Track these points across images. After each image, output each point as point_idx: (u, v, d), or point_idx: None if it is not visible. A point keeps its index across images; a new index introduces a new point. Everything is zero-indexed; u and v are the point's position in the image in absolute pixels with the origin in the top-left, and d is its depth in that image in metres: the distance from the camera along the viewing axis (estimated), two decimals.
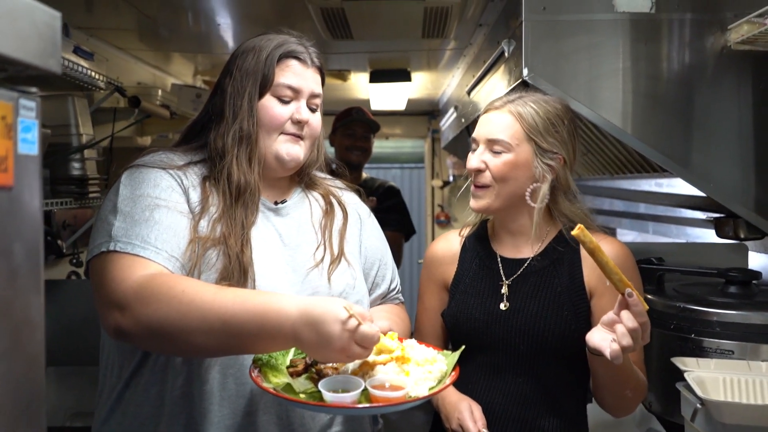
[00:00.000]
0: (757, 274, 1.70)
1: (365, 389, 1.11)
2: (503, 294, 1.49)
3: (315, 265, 1.37)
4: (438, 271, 1.60)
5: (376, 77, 3.86)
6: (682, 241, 2.79)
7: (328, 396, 1.10)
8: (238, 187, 1.32)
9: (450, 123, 4.22)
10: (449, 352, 1.24)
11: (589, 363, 1.34)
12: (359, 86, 4.30)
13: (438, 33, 2.89)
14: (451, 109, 4.02)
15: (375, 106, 4.69)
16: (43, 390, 0.69)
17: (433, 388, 1.14)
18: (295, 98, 1.37)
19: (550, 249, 1.50)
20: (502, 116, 1.47)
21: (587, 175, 2.98)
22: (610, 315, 1.23)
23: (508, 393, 1.44)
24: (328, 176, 1.59)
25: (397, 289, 1.59)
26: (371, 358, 1.16)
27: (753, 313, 1.49)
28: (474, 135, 1.50)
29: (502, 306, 1.47)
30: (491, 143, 1.46)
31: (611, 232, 2.07)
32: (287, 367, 1.18)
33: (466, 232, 1.62)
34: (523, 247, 1.52)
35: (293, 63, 1.38)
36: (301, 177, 1.49)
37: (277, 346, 1.13)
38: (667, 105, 1.79)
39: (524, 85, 1.86)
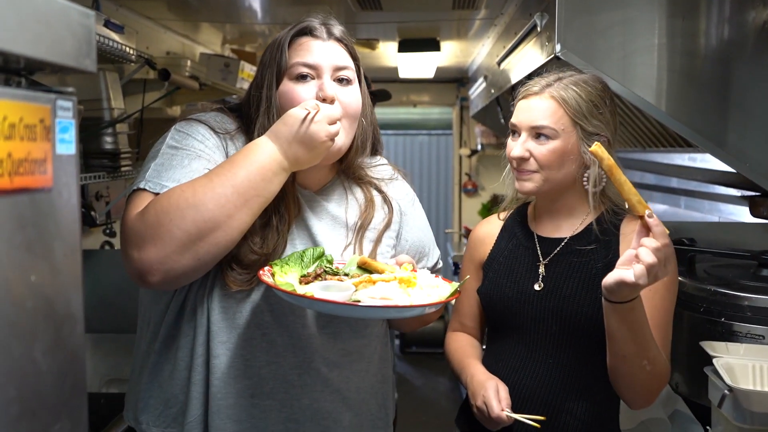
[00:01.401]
0: None
1: (357, 299, 1.15)
2: (540, 274, 1.49)
3: (340, 260, 1.34)
4: (477, 252, 1.62)
5: (404, 47, 3.81)
6: (714, 220, 2.75)
7: (318, 293, 1.14)
8: None
9: (479, 92, 4.17)
10: (455, 283, 1.26)
11: (605, 321, 1.29)
12: (387, 55, 4.26)
13: (468, 4, 2.84)
14: (481, 79, 3.97)
15: (403, 74, 4.65)
16: (84, 382, 0.71)
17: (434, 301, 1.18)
18: (317, 76, 1.30)
19: (589, 230, 1.48)
20: (544, 102, 1.44)
21: (618, 147, 2.92)
22: (628, 252, 1.19)
23: (538, 374, 1.45)
24: (375, 159, 1.52)
25: (436, 268, 1.54)
26: (376, 276, 1.21)
27: None
28: (514, 121, 1.48)
29: (536, 286, 1.48)
30: (535, 131, 1.44)
31: None
32: (300, 277, 1.23)
33: (504, 215, 1.64)
34: (562, 226, 1.52)
35: (305, 40, 1.32)
36: (343, 165, 1.42)
37: (268, 170, 1.19)
38: (704, 83, 1.76)
39: (556, 60, 1.84)
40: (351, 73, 1.33)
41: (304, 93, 1.29)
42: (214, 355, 1.28)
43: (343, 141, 1.30)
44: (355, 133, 1.35)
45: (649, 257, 1.14)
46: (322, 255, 1.30)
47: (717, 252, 1.80)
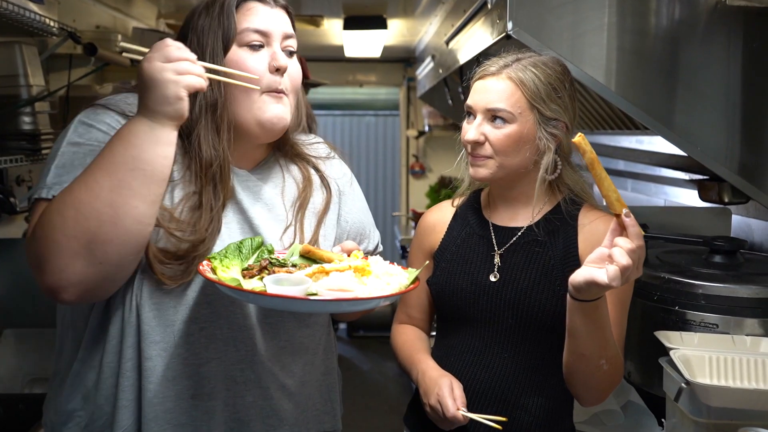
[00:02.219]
0: (742, 243, 1.65)
1: (314, 292, 1.08)
2: (495, 264, 1.42)
3: (282, 249, 1.26)
4: (427, 240, 1.54)
5: (350, 24, 3.69)
6: (660, 203, 2.75)
7: (271, 287, 1.05)
8: (208, 161, 1.18)
9: (427, 72, 4.09)
10: (413, 270, 1.19)
11: (567, 318, 1.24)
12: (333, 32, 4.14)
13: None
14: (428, 58, 3.89)
15: (349, 53, 4.54)
16: None
17: (396, 291, 1.12)
18: (267, 44, 1.21)
19: (547, 220, 1.42)
20: (501, 83, 1.36)
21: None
22: (599, 250, 1.13)
23: (493, 369, 1.38)
24: (311, 137, 1.43)
25: (376, 252, 1.47)
26: (329, 266, 1.13)
27: (738, 286, 1.44)
28: (469, 103, 1.40)
29: (491, 277, 1.40)
30: (491, 113, 1.36)
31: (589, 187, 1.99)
32: (242, 270, 1.14)
33: (458, 201, 1.55)
34: (519, 215, 1.45)
35: (255, 5, 1.22)
36: (278, 143, 1.32)
37: (132, 134, 1.06)
38: (654, 63, 1.72)
39: (507, 39, 1.78)
40: (295, 44, 1.26)
41: (256, 62, 1.20)
42: (146, 357, 1.17)
43: (289, 115, 1.23)
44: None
45: (624, 259, 1.08)
46: (261, 245, 1.21)
47: (669, 238, 1.77)
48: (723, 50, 1.72)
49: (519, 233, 1.43)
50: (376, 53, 4.53)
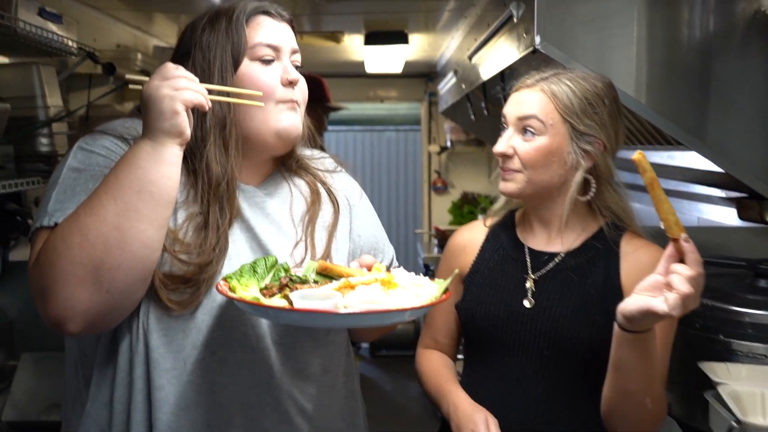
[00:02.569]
0: None
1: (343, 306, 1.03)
2: (528, 289, 1.35)
3: (295, 266, 1.21)
4: (457, 262, 1.47)
5: (371, 39, 3.65)
6: (694, 221, 2.65)
7: (299, 302, 1.01)
8: (216, 179, 1.15)
9: (449, 87, 4.03)
10: (441, 281, 1.14)
11: (613, 351, 1.15)
12: (353, 48, 4.10)
13: None
14: (450, 73, 3.84)
15: (370, 68, 4.49)
16: None
17: (427, 302, 1.08)
18: (277, 58, 1.21)
19: (588, 246, 1.35)
20: (533, 95, 1.32)
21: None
22: (652, 277, 1.05)
23: (527, 403, 1.30)
24: (316, 152, 1.40)
25: (392, 266, 1.42)
26: (354, 279, 1.08)
27: None
28: (504, 112, 1.37)
29: (526, 303, 1.33)
30: (521, 122, 1.32)
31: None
32: (261, 290, 1.10)
33: (490, 222, 1.49)
34: (555, 239, 1.38)
35: (264, 19, 1.21)
36: (283, 157, 1.30)
37: (135, 156, 1.04)
38: (686, 74, 1.67)
39: (533, 53, 1.72)
40: (300, 59, 1.26)
41: (269, 76, 1.19)
42: (157, 386, 1.12)
43: (299, 129, 1.23)
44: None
45: (685, 286, 1.01)
46: (275, 264, 1.16)
47: (711, 261, 1.67)
48: (760, 61, 1.66)
49: (556, 259, 1.35)
50: (398, 69, 4.48)
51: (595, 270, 1.32)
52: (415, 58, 4.60)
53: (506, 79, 2.43)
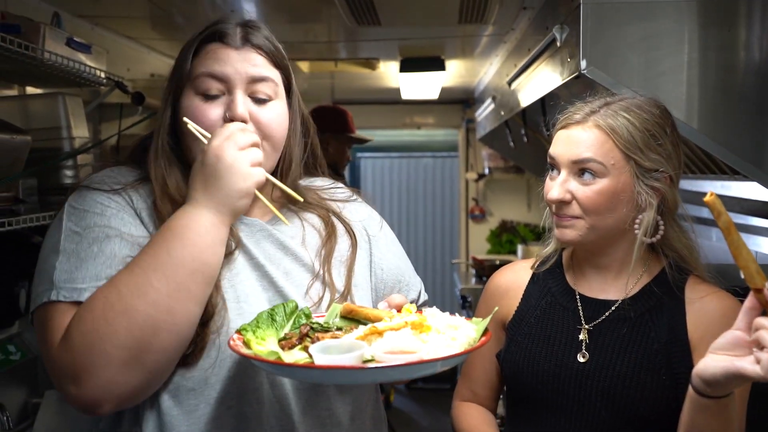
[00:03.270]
0: None
1: (369, 358, 0.93)
2: (581, 341, 1.21)
3: (314, 305, 1.11)
4: (499, 305, 1.33)
5: (406, 66, 3.58)
6: (761, 262, 2.48)
7: (320, 357, 0.91)
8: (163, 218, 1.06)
9: (487, 114, 3.94)
10: (479, 320, 1.03)
11: (685, 416, 1.03)
12: (389, 75, 4.04)
13: (476, 18, 2.61)
14: (489, 99, 3.75)
15: (406, 95, 4.43)
16: None
17: (464, 349, 0.97)
18: (227, 91, 1.08)
19: (647, 292, 1.22)
20: (589, 133, 1.18)
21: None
22: (732, 333, 0.94)
23: None
24: (326, 182, 1.30)
25: (421, 299, 1.32)
26: (381, 325, 0.97)
27: None
28: (552, 154, 1.23)
29: (580, 357, 1.20)
30: (578, 166, 1.18)
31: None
32: (280, 341, 1.00)
33: (534, 263, 1.37)
34: (611, 285, 1.25)
35: (215, 47, 1.09)
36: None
37: (196, 232, 1.00)
38: (742, 99, 1.58)
39: (578, 78, 1.63)
40: (270, 88, 1.11)
41: (209, 112, 1.07)
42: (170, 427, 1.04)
43: (264, 164, 1.09)
44: (282, 155, 1.16)
45: None
46: (296, 309, 1.07)
47: None
48: None
49: (612, 307, 1.22)
50: (434, 95, 4.41)
51: (659, 321, 1.19)
52: (452, 84, 4.53)
53: (546, 105, 2.33)
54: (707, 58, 1.57)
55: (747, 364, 0.90)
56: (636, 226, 1.19)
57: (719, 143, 1.55)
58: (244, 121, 1.07)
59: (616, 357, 1.18)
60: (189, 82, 1.08)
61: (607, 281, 1.26)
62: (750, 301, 0.93)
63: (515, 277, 1.37)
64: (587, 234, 1.19)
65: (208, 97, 1.08)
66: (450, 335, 0.98)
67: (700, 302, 1.19)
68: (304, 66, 3.69)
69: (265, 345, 0.99)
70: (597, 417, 1.16)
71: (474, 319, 1.06)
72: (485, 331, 1.01)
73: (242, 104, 1.08)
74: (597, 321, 1.23)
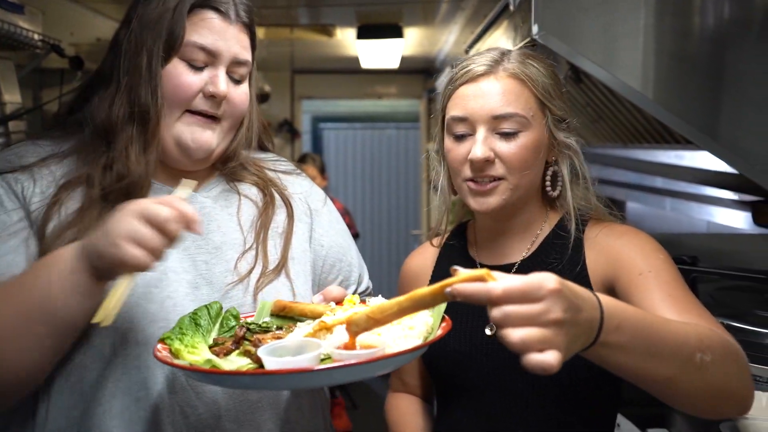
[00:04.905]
0: None
1: (325, 357, 0.85)
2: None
3: (239, 279, 1.07)
4: (410, 291, 1.29)
5: (364, 33, 3.51)
6: (703, 224, 2.52)
7: (272, 362, 0.82)
8: (124, 178, 1.01)
9: None
10: (437, 307, 0.97)
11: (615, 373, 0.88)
12: (347, 43, 3.97)
13: None
14: (448, 69, 3.70)
15: (365, 64, 4.35)
16: None
17: (422, 341, 0.90)
18: (211, 64, 1.06)
19: (547, 247, 1.16)
20: (504, 82, 1.10)
21: (595, 143, 2.73)
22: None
23: None
24: (269, 155, 1.27)
25: (366, 292, 1.29)
26: (329, 319, 0.91)
27: None
28: (461, 114, 1.12)
29: (487, 330, 1.13)
30: (499, 122, 1.10)
31: (620, 206, 1.77)
32: (211, 347, 0.93)
33: (437, 241, 1.30)
34: (511, 249, 1.19)
35: (210, 16, 1.06)
36: (224, 162, 1.16)
37: (69, 278, 0.90)
38: (697, 67, 1.54)
39: (532, 45, 1.60)
40: (246, 70, 1.11)
41: (191, 82, 1.05)
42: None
43: (217, 142, 1.09)
44: (236, 134, 1.14)
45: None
46: (221, 311, 0.99)
47: (726, 273, 1.53)
48: None
49: (512, 270, 1.16)
50: (394, 64, 4.35)
51: (561, 272, 1.06)
52: (412, 54, 4.47)
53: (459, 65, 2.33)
54: (663, 24, 1.53)
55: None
56: (547, 182, 1.15)
57: (673, 113, 1.52)
58: (223, 97, 1.06)
59: None
60: (179, 48, 1.04)
61: (508, 245, 1.19)
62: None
63: (423, 259, 1.30)
64: (510, 196, 1.12)
65: (194, 67, 1.06)
66: (406, 324, 0.91)
67: (596, 238, 1.13)
68: (260, 32, 3.60)
69: (199, 353, 0.90)
70: (515, 389, 1.11)
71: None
72: (443, 318, 0.95)
73: (224, 81, 1.07)
74: None
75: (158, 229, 0.86)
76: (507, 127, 1.09)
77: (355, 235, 4.06)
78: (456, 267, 0.78)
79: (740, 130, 1.52)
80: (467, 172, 1.12)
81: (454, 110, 1.13)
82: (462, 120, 1.12)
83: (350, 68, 5.04)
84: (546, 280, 0.74)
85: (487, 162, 1.10)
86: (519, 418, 1.11)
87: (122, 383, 0.99)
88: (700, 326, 0.91)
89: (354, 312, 0.86)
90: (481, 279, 0.74)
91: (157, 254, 0.87)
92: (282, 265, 1.11)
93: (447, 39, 3.80)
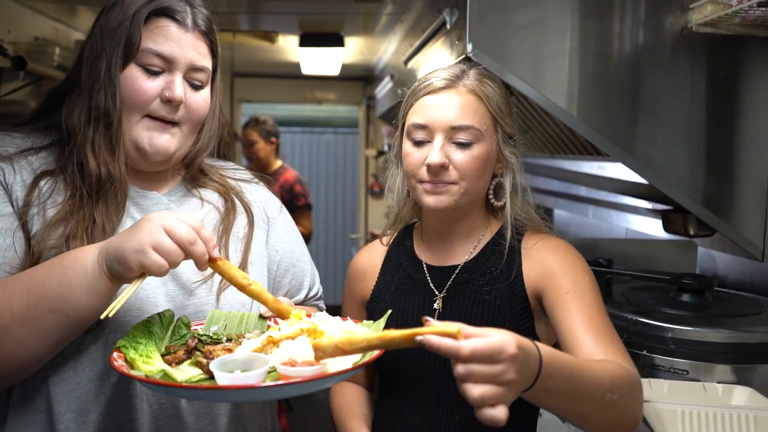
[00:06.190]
0: (711, 282, 1.57)
1: (271, 370, 0.91)
2: (436, 311, 1.24)
3: (203, 279, 1.13)
4: (358, 288, 1.36)
5: (306, 41, 3.58)
6: (622, 231, 2.68)
7: (223, 377, 0.88)
8: (98, 179, 1.07)
9: (386, 92, 3.99)
10: (371, 322, 1.06)
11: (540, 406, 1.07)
12: (289, 49, 4.02)
13: None
14: (387, 78, 3.80)
15: (306, 70, 4.41)
16: None
17: (358, 362, 0.96)
18: (168, 69, 1.11)
19: (488, 252, 1.25)
20: (463, 97, 1.20)
21: (525, 153, 2.85)
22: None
23: None
24: (229, 164, 1.33)
25: (317, 296, 1.37)
26: (277, 334, 0.98)
27: (709, 330, 1.36)
28: (421, 122, 1.20)
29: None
30: (456, 132, 1.19)
31: (547, 213, 1.88)
32: (163, 356, 0.98)
33: (387, 240, 1.37)
34: (455, 251, 1.28)
35: (166, 24, 1.10)
36: (187, 169, 1.22)
37: (85, 279, 0.96)
38: (616, 88, 1.66)
39: (467, 60, 1.70)
40: (205, 77, 1.15)
41: (148, 87, 1.09)
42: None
43: (175, 146, 1.14)
44: (197, 138, 1.19)
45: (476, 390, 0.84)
46: (172, 319, 1.05)
47: (635, 275, 1.68)
48: (688, 77, 1.67)
49: (455, 272, 1.26)
50: (334, 71, 4.42)
51: (499, 277, 1.22)
52: (352, 62, 4.55)
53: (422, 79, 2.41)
54: (586, 47, 1.65)
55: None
56: (490, 192, 1.25)
57: (594, 130, 1.64)
58: (179, 102, 1.10)
59: (462, 320, 1.13)
60: (135, 54, 1.08)
61: (452, 247, 1.27)
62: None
63: (371, 257, 1.37)
64: (461, 199, 1.20)
65: (150, 73, 1.09)
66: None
67: (533, 249, 1.22)
68: None
69: (153, 363, 0.95)
70: (452, 382, 1.13)
71: (365, 321, 1.08)
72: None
73: (180, 86, 1.10)
74: (446, 288, 1.25)
75: (180, 245, 0.94)
76: (462, 137, 1.18)
77: (308, 206, 4.07)
78: (428, 318, 0.86)
79: (653, 146, 1.64)
80: (423, 175, 1.20)
81: (414, 117, 1.22)
82: (422, 127, 1.21)
83: (291, 73, 5.08)
84: (507, 345, 0.83)
85: (442, 168, 1.18)
86: (456, 405, 1.20)
87: (97, 366, 1.05)
88: (612, 365, 1.03)
89: (323, 340, 0.91)
90: (451, 335, 0.82)
91: (173, 266, 0.95)
92: (243, 267, 1.18)
93: (386, 49, 3.89)
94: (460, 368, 0.83)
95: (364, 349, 0.88)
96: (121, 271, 0.95)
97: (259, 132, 4.10)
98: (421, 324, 0.85)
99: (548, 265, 1.19)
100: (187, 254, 0.95)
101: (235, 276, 1.02)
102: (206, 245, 0.97)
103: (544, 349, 0.91)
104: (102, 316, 0.94)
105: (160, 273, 0.94)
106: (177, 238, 0.94)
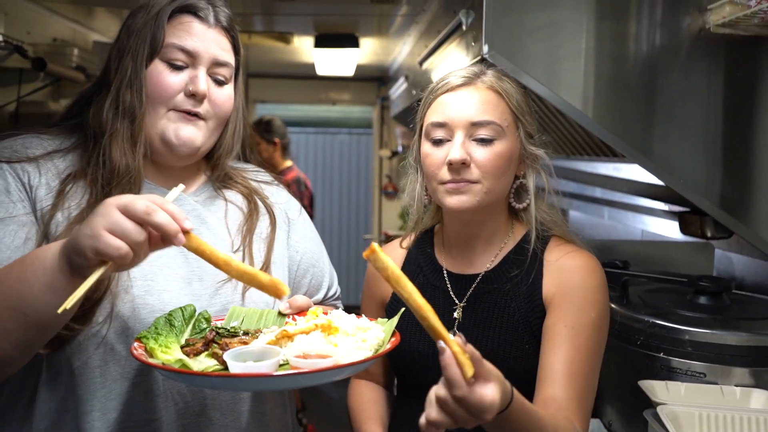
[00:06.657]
0: (728, 284, 1.56)
1: (285, 363, 0.94)
2: (455, 320, 1.22)
3: (228, 277, 1.13)
4: (377, 290, 1.34)
5: (321, 42, 3.59)
6: (638, 233, 2.67)
7: (236, 366, 0.91)
8: (115, 172, 1.08)
9: (400, 92, 4.00)
10: (385, 320, 1.06)
11: None
12: (303, 50, 4.04)
13: None
14: (402, 78, 3.81)
15: (321, 71, 4.43)
16: None
17: (370, 356, 0.98)
18: (191, 64, 1.13)
19: (509, 261, 1.22)
20: (482, 93, 1.17)
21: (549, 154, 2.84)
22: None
23: None
24: (250, 166, 1.35)
25: (335, 296, 1.38)
26: (291, 328, 1.00)
27: (727, 332, 1.35)
28: (441, 120, 1.17)
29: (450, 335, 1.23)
30: (477, 128, 1.16)
31: (563, 214, 1.87)
32: (182, 347, 1.00)
33: (407, 242, 1.35)
34: (477, 259, 1.25)
35: (189, 20, 1.13)
36: (212, 169, 1.24)
37: (43, 275, 0.91)
38: (632, 89, 1.65)
39: (482, 62, 1.70)
40: (228, 72, 1.17)
41: (173, 81, 1.11)
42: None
43: (202, 139, 1.15)
44: (221, 136, 1.20)
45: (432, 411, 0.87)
46: (194, 314, 1.07)
47: (652, 276, 1.67)
48: (705, 78, 1.66)
49: (476, 282, 1.23)
50: (349, 72, 4.43)
51: (519, 289, 1.19)
52: (367, 62, 4.57)
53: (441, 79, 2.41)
54: (601, 49, 1.63)
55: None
56: (511, 194, 1.22)
57: (610, 131, 1.62)
58: (203, 96, 1.12)
59: (481, 333, 1.17)
60: (160, 50, 1.10)
61: (474, 254, 1.24)
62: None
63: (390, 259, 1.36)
64: (483, 199, 1.16)
65: (174, 67, 1.11)
66: (360, 337, 1.00)
67: (557, 263, 1.19)
68: None
69: (171, 353, 0.96)
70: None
71: (379, 319, 1.09)
72: (393, 332, 1.03)
73: (203, 80, 1.12)
74: (466, 297, 1.22)
75: (139, 223, 0.87)
76: (483, 133, 1.15)
77: (310, 205, 4.09)
78: (460, 335, 0.88)
79: (669, 147, 1.63)
80: (444, 175, 1.16)
81: (433, 116, 1.19)
82: (441, 125, 1.18)
83: (305, 74, 5.11)
84: (491, 409, 0.85)
85: (464, 165, 1.14)
86: None
87: (122, 368, 1.06)
88: (564, 424, 1.03)
89: (382, 254, 0.91)
90: (463, 372, 0.84)
91: (137, 249, 0.87)
92: (266, 267, 1.19)
93: (401, 50, 3.90)
94: (441, 394, 0.86)
95: (406, 300, 0.89)
96: (79, 263, 0.88)
97: (260, 133, 4.15)
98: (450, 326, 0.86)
99: (565, 288, 1.16)
100: (149, 226, 0.87)
101: (214, 252, 0.96)
102: (175, 219, 0.88)
103: (516, 405, 0.92)
104: (59, 310, 0.86)
105: (119, 257, 0.85)
106: (132, 213, 0.86)
